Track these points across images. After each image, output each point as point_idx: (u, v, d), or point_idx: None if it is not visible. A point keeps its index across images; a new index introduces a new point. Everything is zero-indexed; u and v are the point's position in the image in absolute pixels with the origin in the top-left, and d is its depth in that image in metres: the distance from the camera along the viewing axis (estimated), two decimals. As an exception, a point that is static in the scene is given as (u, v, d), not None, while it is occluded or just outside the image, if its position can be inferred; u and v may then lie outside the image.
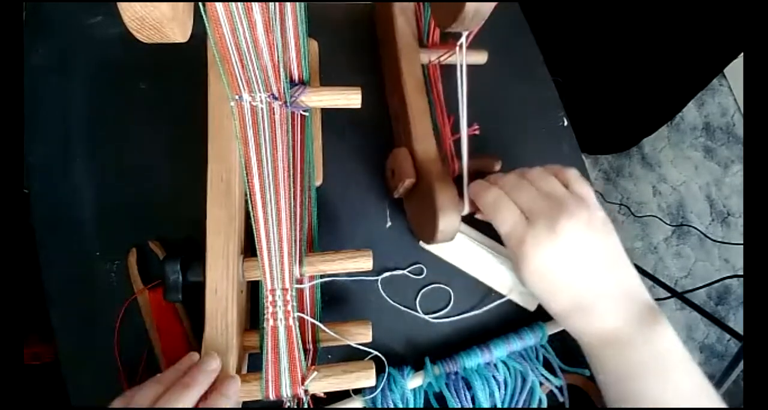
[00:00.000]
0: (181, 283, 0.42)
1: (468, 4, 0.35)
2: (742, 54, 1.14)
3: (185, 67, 0.47)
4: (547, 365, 0.51)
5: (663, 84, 1.22)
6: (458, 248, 0.53)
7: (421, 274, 0.53)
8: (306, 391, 0.40)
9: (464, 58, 0.45)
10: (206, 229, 0.41)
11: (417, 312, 0.51)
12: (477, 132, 0.56)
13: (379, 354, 0.44)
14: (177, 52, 0.41)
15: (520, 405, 0.49)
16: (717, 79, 1.75)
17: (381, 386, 0.46)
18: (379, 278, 0.51)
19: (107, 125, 0.51)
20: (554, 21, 1.16)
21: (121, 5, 0.27)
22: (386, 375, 0.46)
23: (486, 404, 0.48)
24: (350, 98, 0.42)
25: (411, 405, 0.47)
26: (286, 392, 0.40)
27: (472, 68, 0.57)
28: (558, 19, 1.17)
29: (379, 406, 0.46)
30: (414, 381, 0.48)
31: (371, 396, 0.46)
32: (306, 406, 0.42)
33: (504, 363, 0.50)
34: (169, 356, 0.45)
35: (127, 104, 0.52)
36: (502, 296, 0.53)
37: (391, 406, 0.46)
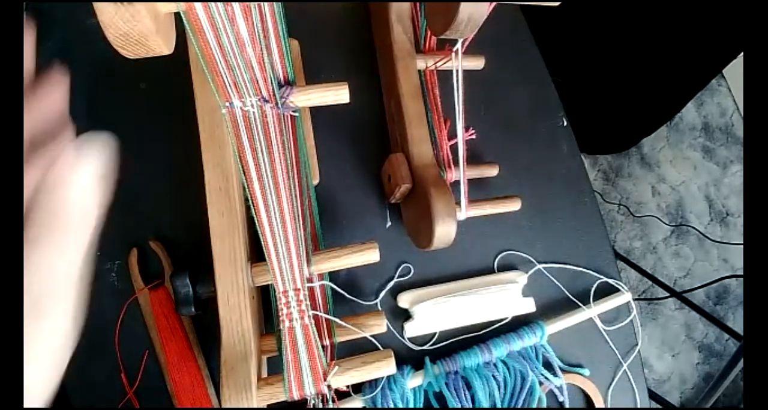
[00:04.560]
0: (192, 296, 0.42)
1: (461, 11, 0.35)
2: (740, 54, 1.14)
3: (185, 67, 0.47)
4: (547, 364, 0.52)
5: (662, 84, 1.22)
6: (442, 313, 0.51)
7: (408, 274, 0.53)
8: (329, 386, 0.41)
9: (460, 64, 0.45)
10: (210, 239, 0.41)
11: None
12: (473, 137, 0.56)
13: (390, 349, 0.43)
14: (176, 52, 0.41)
15: (519, 405, 0.49)
16: (716, 79, 1.75)
17: (381, 385, 0.46)
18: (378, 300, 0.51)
19: (107, 124, 0.51)
20: (554, 21, 1.16)
21: (103, 23, 0.26)
22: (386, 374, 0.46)
23: (486, 403, 0.48)
24: (338, 94, 0.41)
25: (411, 405, 0.47)
26: (310, 390, 0.40)
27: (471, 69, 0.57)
28: (557, 20, 1.17)
29: (379, 406, 0.46)
30: (414, 381, 0.48)
31: (371, 395, 0.46)
32: (330, 402, 0.42)
33: (504, 362, 0.50)
34: (170, 355, 0.45)
35: (127, 104, 0.52)
36: (503, 319, 0.53)
37: (391, 406, 0.46)
